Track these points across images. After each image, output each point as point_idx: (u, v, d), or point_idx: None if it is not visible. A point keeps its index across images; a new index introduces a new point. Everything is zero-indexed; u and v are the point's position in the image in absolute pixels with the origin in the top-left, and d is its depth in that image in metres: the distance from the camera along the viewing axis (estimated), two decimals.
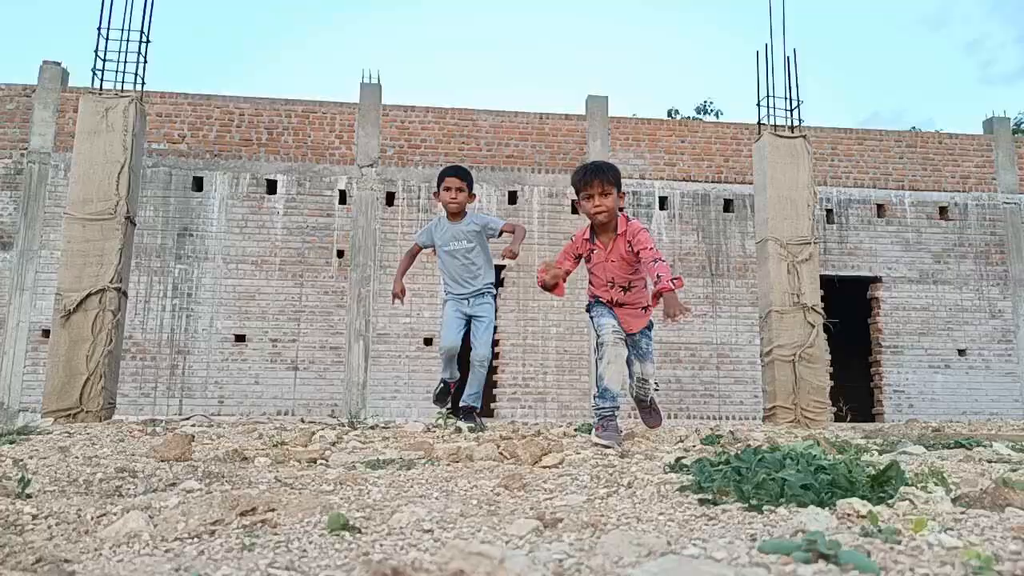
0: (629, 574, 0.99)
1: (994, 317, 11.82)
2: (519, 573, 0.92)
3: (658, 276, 3.44)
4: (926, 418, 9.77)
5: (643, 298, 3.87)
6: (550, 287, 3.69)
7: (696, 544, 1.22)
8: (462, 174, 4.68)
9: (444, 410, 4.77)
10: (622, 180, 3.83)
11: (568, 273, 3.83)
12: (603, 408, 3.61)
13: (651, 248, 3.63)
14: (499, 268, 11.01)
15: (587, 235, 3.86)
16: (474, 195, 4.79)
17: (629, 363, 3.96)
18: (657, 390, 4.31)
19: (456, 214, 4.68)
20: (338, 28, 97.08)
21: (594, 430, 3.62)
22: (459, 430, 4.18)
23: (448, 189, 4.61)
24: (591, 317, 3.92)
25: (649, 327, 3.97)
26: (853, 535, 1.29)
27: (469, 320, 4.67)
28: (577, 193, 3.82)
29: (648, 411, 4.30)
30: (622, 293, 3.83)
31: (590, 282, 3.95)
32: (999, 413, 11.17)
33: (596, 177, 3.69)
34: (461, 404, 4.63)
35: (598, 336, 3.78)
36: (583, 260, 3.91)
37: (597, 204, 3.69)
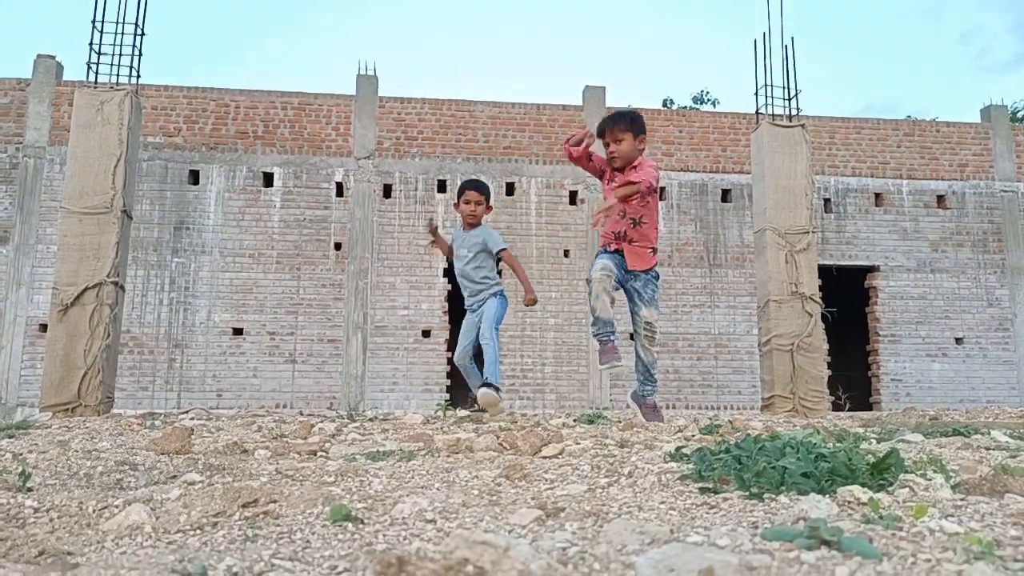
0: (633, 562, 0.99)
1: (991, 305, 11.85)
2: (523, 561, 0.92)
3: (628, 178, 3.88)
4: (923, 406, 9.80)
5: (652, 239, 4.13)
6: (575, 144, 4.05)
7: (699, 532, 1.23)
8: (482, 188, 4.96)
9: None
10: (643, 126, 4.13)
11: (589, 162, 4.15)
12: (600, 332, 4.00)
13: (644, 177, 3.90)
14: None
15: (611, 164, 4.19)
16: (491, 207, 5.04)
17: (634, 310, 4.22)
18: (655, 382, 4.41)
19: (472, 225, 4.95)
20: (334, 20, 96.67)
21: (598, 355, 4.05)
22: (459, 421, 4.19)
23: (468, 202, 4.88)
24: (595, 256, 4.26)
25: (655, 276, 4.18)
26: (854, 522, 1.29)
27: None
28: (600, 141, 4.16)
29: (650, 409, 4.32)
30: (631, 226, 4.07)
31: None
32: (996, 401, 11.21)
33: (608, 126, 4.07)
34: (483, 383, 4.74)
35: (590, 273, 4.08)
36: (602, 179, 4.22)
37: (611, 151, 4.06)
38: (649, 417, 4.27)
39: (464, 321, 4.93)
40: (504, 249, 4.92)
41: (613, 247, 4.17)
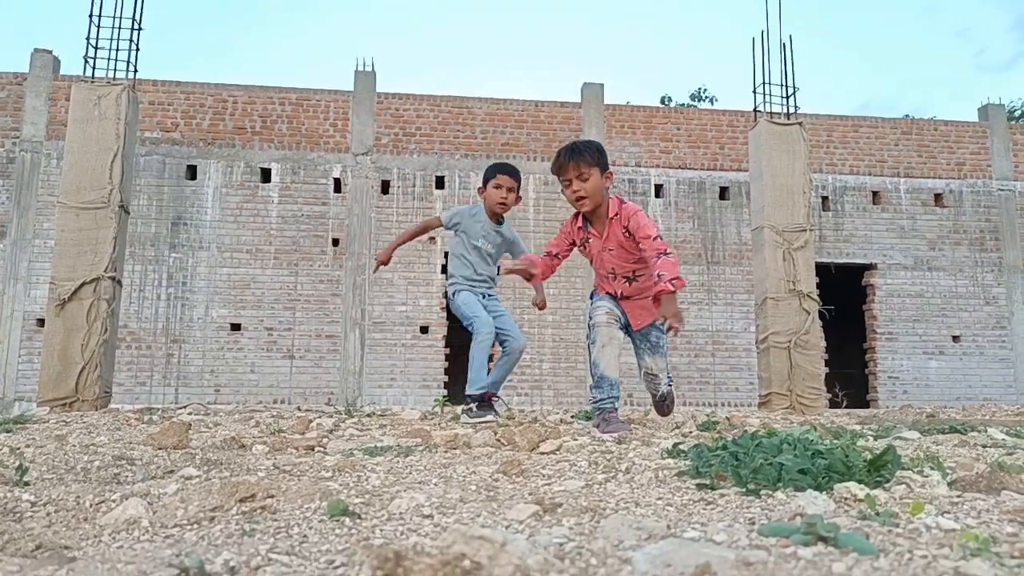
0: (630, 557, 0.99)
1: (988, 304, 11.88)
2: (521, 556, 0.92)
3: (659, 276, 3.09)
4: (920, 404, 9.83)
5: (651, 289, 3.33)
6: (526, 277, 3.49)
7: (696, 528, 1.23)
8: (516, 174, 4.25)
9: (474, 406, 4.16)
10: (609, 162, 3.46)
11: (558, 260, 3.61)
12: (602, 400, 3.28)
13: (653, 237, 3.22)
14: None
15: (580, 222, 3.53)
16: (520, 197, 4.36)
17: (638, 356, 3.69)
18: (671, 385, 3.95)
19: (498, 216, 4.30)
20: (332, 15, 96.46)
21: (594, 427, 3.28)
22: (456, 417, 4.18)
23: (499, 187, 4.17)
24: (590, 304, 3.66)
25: (662, 321, 3.49)
26: (851, 518, 1.30)
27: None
28: (559, 181, 3.43)
29: (662, 402, 4.00)
30: (626, 284, 3.51)
31: (596, 274, 3.66)
32: (992, 399, 11.24)
33: (570, 160, 3.32)
34: (482, 389, 4.12)
35: (590, 319, 3.45)
36: (579, 248, 3.61)
37: (575, 190, 3.33)
38: (662, 407, 4.00)
39: (471, 295, 4.21)
40: (526, 255, 4.24)
41: (609, 293, 3.61)
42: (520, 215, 11.18)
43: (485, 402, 4.03)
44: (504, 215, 4.32)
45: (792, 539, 1.09)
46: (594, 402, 3.34)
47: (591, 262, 3.62)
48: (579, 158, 3.32)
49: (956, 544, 1.08)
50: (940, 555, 1.03)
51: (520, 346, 4.24)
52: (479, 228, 4.26)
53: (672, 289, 3.04)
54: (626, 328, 3.59)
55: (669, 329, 3.13)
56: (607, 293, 3.59)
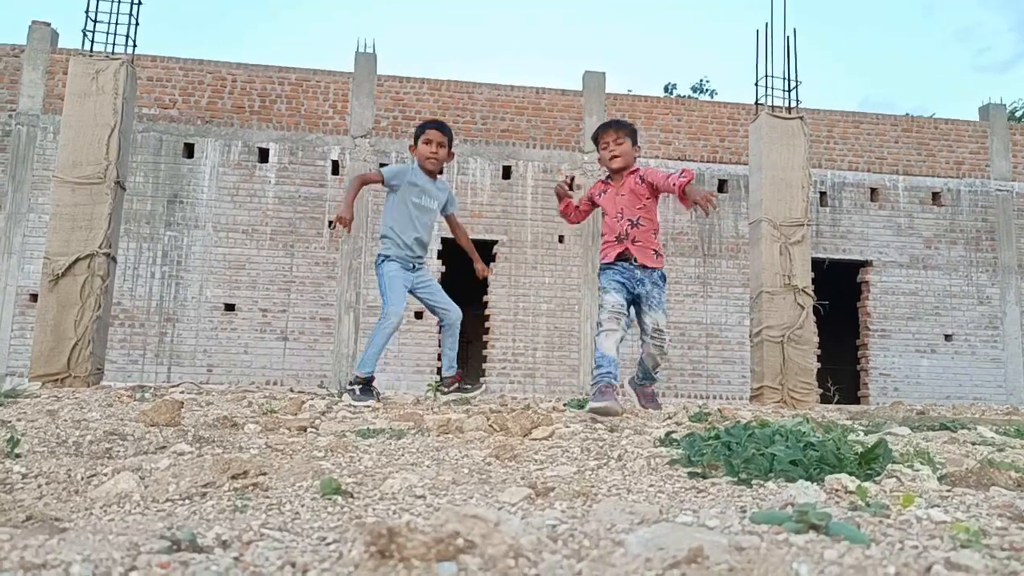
0: (623, 539, 0.99)
1: (982, 303, 11.92)
2: (514, 536, 0.92)
3: (672, 183, 3.79)
4: (911, 402, 9.86)
5: (653, 242, 4.10)
6: (561, 201, 4.34)
7: (688, 513, 1.23)
8: (445, 129, 4.40)
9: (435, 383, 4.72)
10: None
11: (581, 211, 4.38)
12: (600, 373, 3.79)
13: (667, 174, 3.96)
14: (491, 243, 10.99)
15: (602, 182, 4.27)
16: (452, 154, 4.49)
17: (641, 318, 4.13)
18: (655, 381, 4.38)
19: (432, 172, 4.39)
20: None
21: (590, 400, 3.68)
22: (451, 403, 4.19)
23: (429, 143, 4.30)
24: (600, 288, 4.12)
25: (663, 277, 4.14)
26: (842, 509, 1.30)
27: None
28: (596, 147, 4.23)
29: (648, 398, 4.33)
30: (630, 226, 4.07)
31: (602, 233, 4.22)
32: (982, 398, 11.31)
33: (612, 127, 4.18)
34: (447, 375, 4.52)
35: (600, 310, 4.00)
36: (598, 198, 4.27)
37: (612, 151, 4.12)
38: (646, 404, 4.28)
39: (398, 273, 4.30)
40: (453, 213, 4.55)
41: (615, 252, 4.07)
42: (518, 201, 11.16)
43: (368, 385, 4.29)
44: (442, 170, 4.47)
45: (784, 526, 1.09)
46: (594, 379, 3.84)
47: (603, 213, 4.25)
48: (619, 126, 4.19)
49: (947, 536, 1.09)
50: (931, 546, 1.04)
51: (457, 316, 4.46)
52: (421, 185, 4.35)
53: (685, 180, 3.73)
54: (633, 299, 4.08)
55: (702, 201, 3.63)
56: (611, 267, 4.07)
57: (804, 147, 6.60)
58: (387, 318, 4.30)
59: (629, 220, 4.07)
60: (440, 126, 4.42)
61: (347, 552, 0.98)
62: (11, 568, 0.91)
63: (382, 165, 11.06)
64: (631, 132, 4.20)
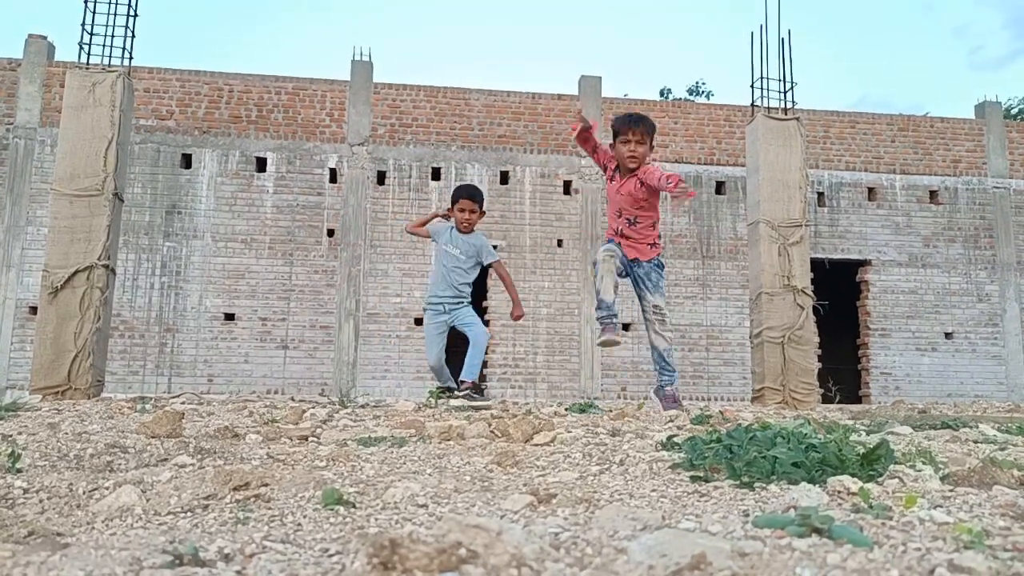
0: (625, 547, 0.99)
1: (981, 301, 11.92)
2: (516, 545, 0.92)
3: (663, 184, 3.90)
4: (912, 400, 9.86)
5: (649, 236, 4.27)
6: (585, 128, 4.27)
7: (691, 519, 1.23)
8: (476, 196, 5.15)
9: (436, 390, 4.89)
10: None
11: (594, 149, 4.37)
12: (601, 317, 4.13)
13: (659, 176, 4.01)
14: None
15: (613, 167, 4.31)
16: (484, 212, 5.25)
17: (641, 297, 4.30)
18: (674, 370, 4.55)
19: (466, 231, 5.16)
20: (329, 4, 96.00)
21: (599, 336, 4.14)
22: (451, 409, 4.18)
23: (463, 210, 5.08)
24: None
25: (659, 264, 4.31)
26: (845, 511, 1.30)
27: (448, 331, 5.13)
28: (615, 136, 4.23)
29: (669, 401, 4.40)
30: (627, 225, 4.22)
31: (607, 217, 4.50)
32: (984, 396, 11.30)
33: (640, 124, 4.17)
34: (465, 379, 4.90)
35: (594, 255, 4.47)
36: (603, 170, 4.41)
37: (632, 150, 4.14)
38: (668, 408, 4.33)
39: (432, 323, 5.04)
40: (497, 261, 5.18)
41: (613, 228, 4.39)
42: (516, 206, 11.17)
43: (478, 389, 5.02)
44: (473, 229, 5.19)
45: (787, 530, 1.09)
46: (598, 319, 4.17)
47: (607, 199, 4.45)
48: (646, 126, 4.18)
49: (950, 537, 1.09)
50: (934, 547, 1.04)
51: (477, 333, 5.04)
52: (453, 239, 5.13)
53: (671, 185, 3.79)
54: (631, 273, 4.29)
55: (675, 189, 3.75)
56: (610, 239, 4.34)
57: (801, 148, 6.60)
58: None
59: (627, 219, 4.23)
60: (472, 195, 5.14)
61: (349, 564, 0.98)
62: None
63: (380, 172, 11.08)
64: (653, 133, 4.27)
